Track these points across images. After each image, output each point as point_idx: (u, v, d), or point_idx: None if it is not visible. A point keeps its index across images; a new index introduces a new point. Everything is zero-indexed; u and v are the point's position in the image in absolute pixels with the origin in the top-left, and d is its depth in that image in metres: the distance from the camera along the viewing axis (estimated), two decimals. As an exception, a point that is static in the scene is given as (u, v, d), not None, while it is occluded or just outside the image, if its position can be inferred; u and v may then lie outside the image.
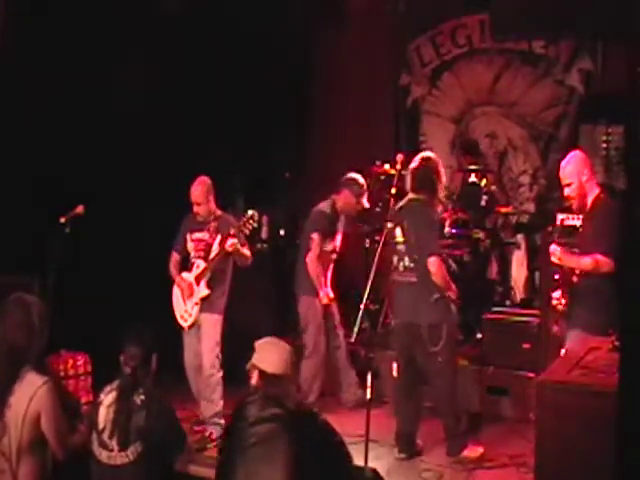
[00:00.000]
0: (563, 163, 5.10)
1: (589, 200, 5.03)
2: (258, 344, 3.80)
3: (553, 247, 4.99)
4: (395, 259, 5.68)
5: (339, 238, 6.71)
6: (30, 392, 3.79)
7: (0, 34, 6.08)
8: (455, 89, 8.49)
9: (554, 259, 4.99)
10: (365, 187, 6.56)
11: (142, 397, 3.90)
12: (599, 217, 4.97)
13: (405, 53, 8.67)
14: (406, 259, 5.60)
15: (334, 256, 6.69)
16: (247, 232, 5.98)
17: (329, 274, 6.69)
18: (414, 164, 5.69)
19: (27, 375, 3.85)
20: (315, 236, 6.50)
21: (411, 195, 5.66)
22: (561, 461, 4.26)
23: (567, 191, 5.06)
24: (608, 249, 4.79)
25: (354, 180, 6.56)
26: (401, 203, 5.72)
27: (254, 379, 3.56)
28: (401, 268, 5.63)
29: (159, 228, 6.35)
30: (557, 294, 5.13)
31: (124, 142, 6.74)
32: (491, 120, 8.28)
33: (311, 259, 6.50)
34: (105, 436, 3.87)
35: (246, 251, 6.04)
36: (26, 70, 6.11)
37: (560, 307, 5.11)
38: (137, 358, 3.96)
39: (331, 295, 6.65)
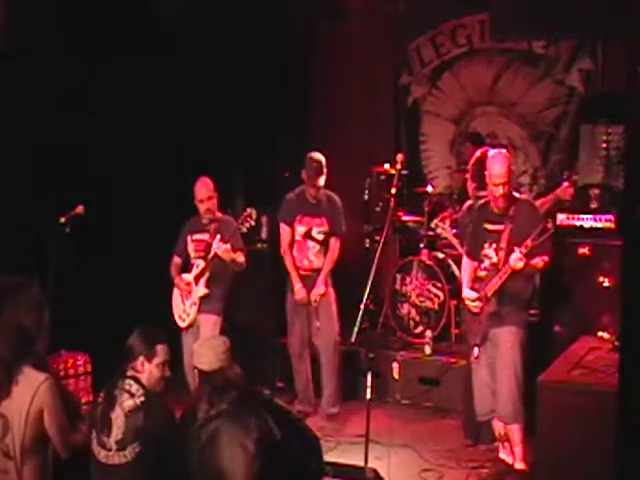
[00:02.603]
0: (494, 161, 5.07)
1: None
2: (195, 346, 4.20)
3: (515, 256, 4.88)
4: None
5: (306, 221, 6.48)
6: (32, 389, 3.77)
7: (1, 32, 6.08)
8: (455, 89, 8.48)
9: (518, 264, 4.87)
10: (319, 165, 6.22)
11: (142, 398, 3.89)
12: (533, 218, 5.03)
13: (405, 53, 8.66)
14: None
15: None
16: (245, 229, 5.98)
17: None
18: (472, 166, 5.79)
19: (27, 372, 3.83)
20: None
21: (477, 194, 5.76)
22: (561, 460, 4.27)
23: (500, 191, 5.01)
24: (548, 250, 4.96)
25: (310, 157, 6.32)
26: (468, 202, 5.89)
27: (195, 379, 3.66)
28: None
29: (159, 228, 6.36)
30: (472, 295, 5.13)
31: (124, 142, 6.73)
32: (491, 120, 8.26)
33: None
34: (103, 435, 3.88)
35: (240, 258, 6.00)
36: (26, 69, 6.11)
37: (476, 309, 5.11)
38: (128, 357, 4.00)
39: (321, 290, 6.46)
